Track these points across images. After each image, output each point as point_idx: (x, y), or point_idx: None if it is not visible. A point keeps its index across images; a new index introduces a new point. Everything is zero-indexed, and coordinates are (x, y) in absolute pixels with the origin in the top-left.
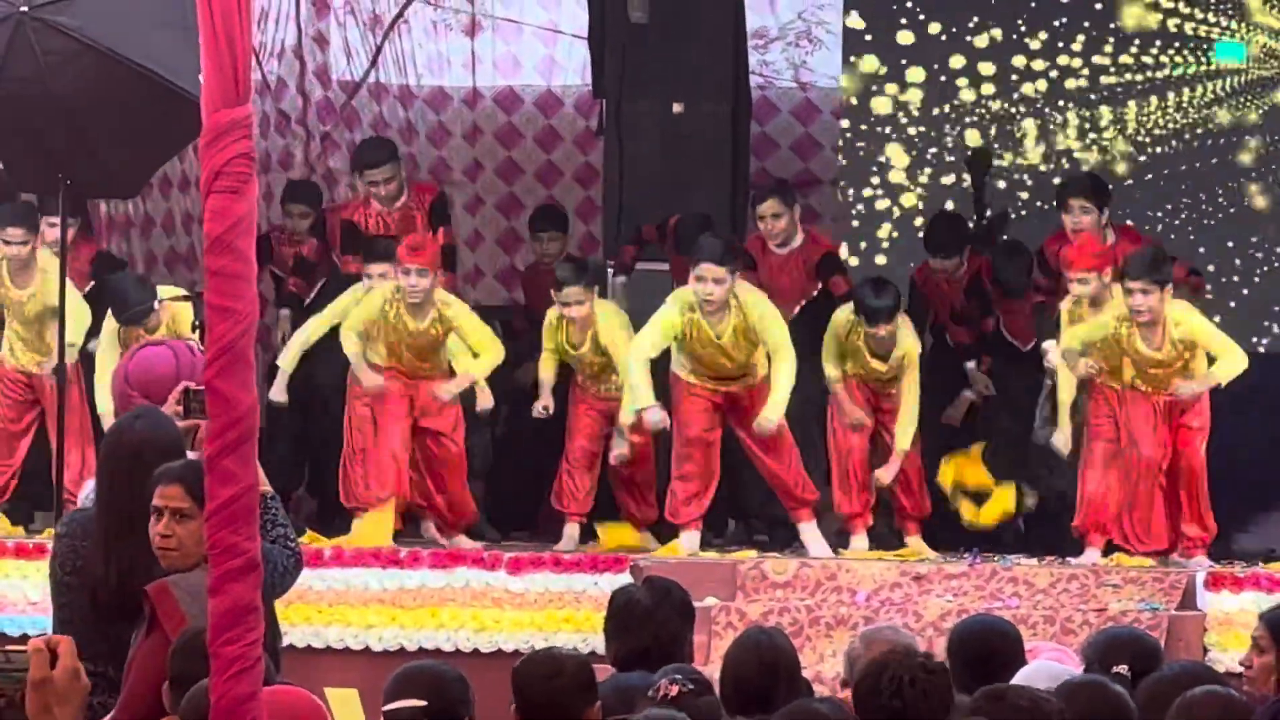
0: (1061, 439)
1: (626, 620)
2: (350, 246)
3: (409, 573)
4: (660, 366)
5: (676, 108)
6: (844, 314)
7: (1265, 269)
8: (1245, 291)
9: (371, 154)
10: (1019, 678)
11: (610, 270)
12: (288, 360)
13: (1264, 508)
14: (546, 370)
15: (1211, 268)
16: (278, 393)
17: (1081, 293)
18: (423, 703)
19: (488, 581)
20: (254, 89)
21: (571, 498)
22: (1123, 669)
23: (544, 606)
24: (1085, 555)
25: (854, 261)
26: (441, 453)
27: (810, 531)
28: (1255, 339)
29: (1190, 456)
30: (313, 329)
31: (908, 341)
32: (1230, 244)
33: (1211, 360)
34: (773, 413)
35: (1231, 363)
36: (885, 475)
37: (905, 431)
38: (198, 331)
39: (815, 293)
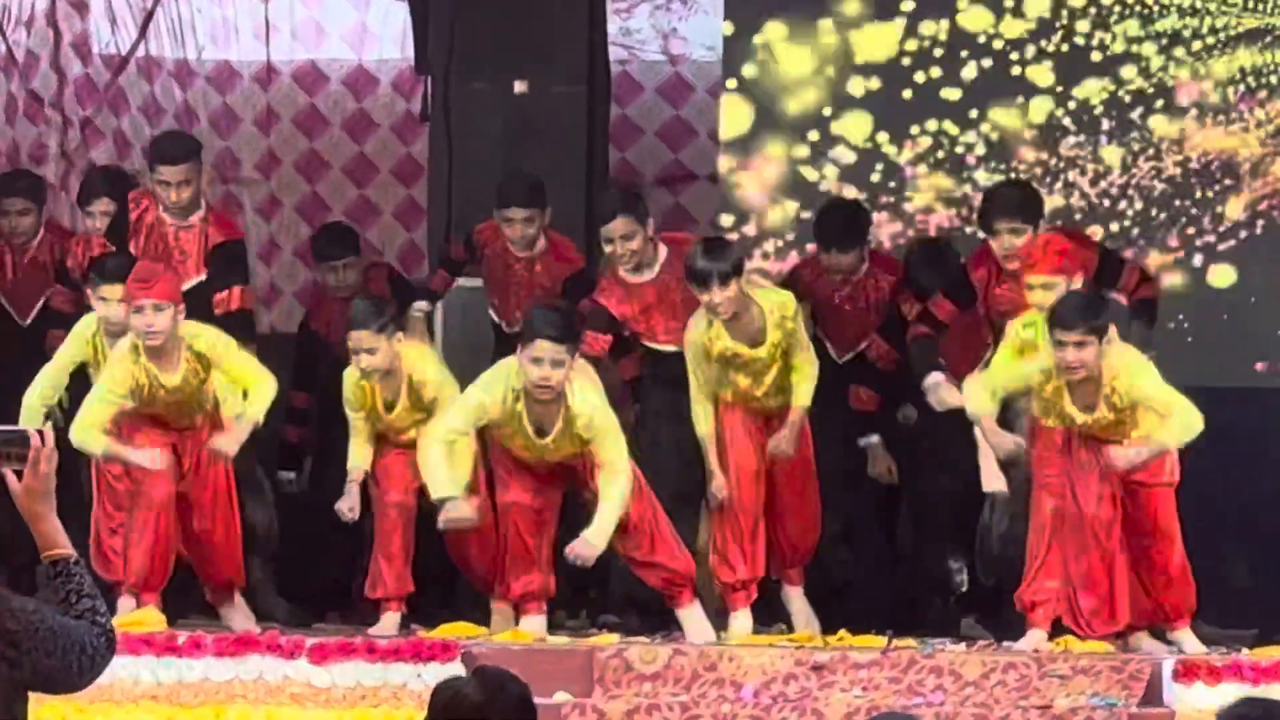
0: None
1: None
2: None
3: (188, 662)
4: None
5: (519, 87)
6: (698, 320)
7: None
8: None
9: (168, 147)
10: None
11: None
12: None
13: (1246, 577)
14: (357, 453)
15: None
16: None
17: (1044, 302)
18: None
19: (286, 673)
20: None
21: (384, 582)
22: None
23: (355, 703)
24: (1027, 638)
25: None
26: (205, 522)
27: (692, 614)
28: None
29: (1154, 514)
30: (42, 388)
31: (773, 299)
32: None
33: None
34: (596, 538)
35: (1184, 424)
36: (785, 443)
37: (803, 384)
38: None
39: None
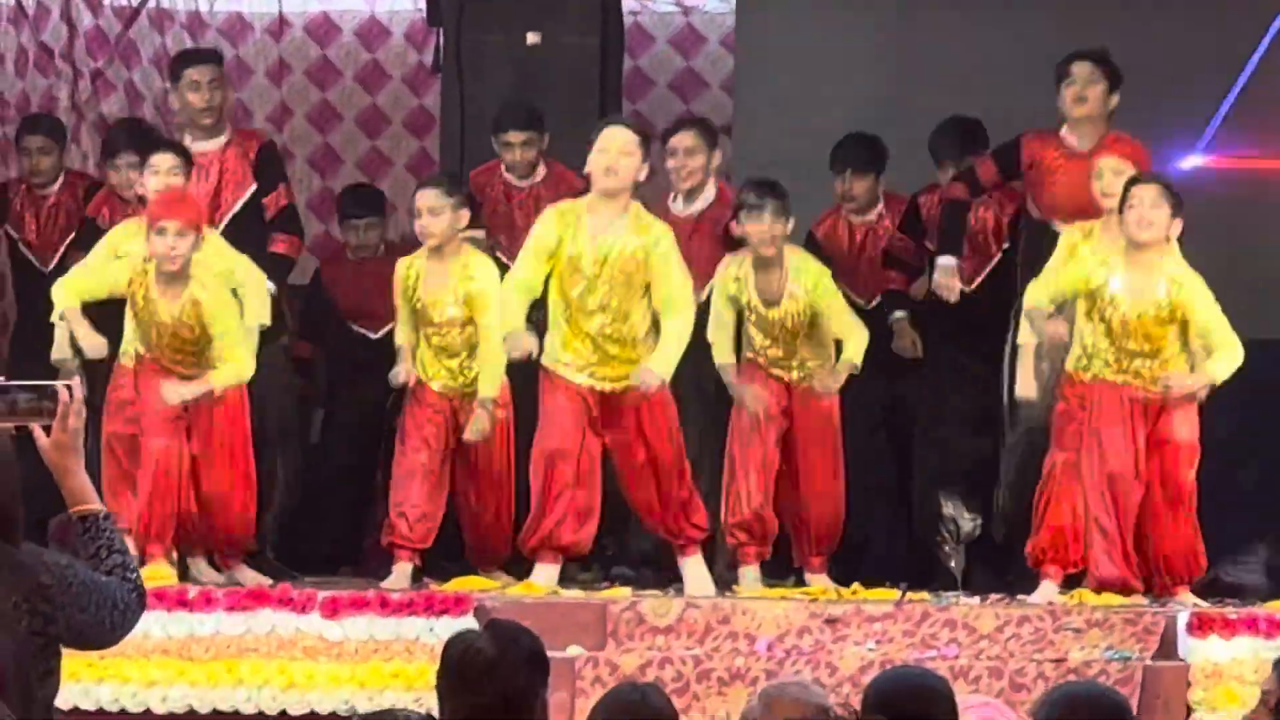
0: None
1: (465, 675)
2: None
3: (200, 617)
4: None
5: (532, 38)
6: (728, 264)
7: None
8: None
9: (194, 55)
10: None
11: None
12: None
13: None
14: (403, 332)
15: None
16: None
17: (1110, 188)
18: None
19: (298, 627)
20: (7, 15)
21: (401, 531)
22: None
23: (367, 658)
24: (1040, 591)
25: None
26: (211, 473)
27: (695, 567)
28: None
29: (1175, 476)
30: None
31: (808, 265)
32: None
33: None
34: (659, 365)
35: (1231, 356)
36: (821, 379)
37: (852, 343)
38: None
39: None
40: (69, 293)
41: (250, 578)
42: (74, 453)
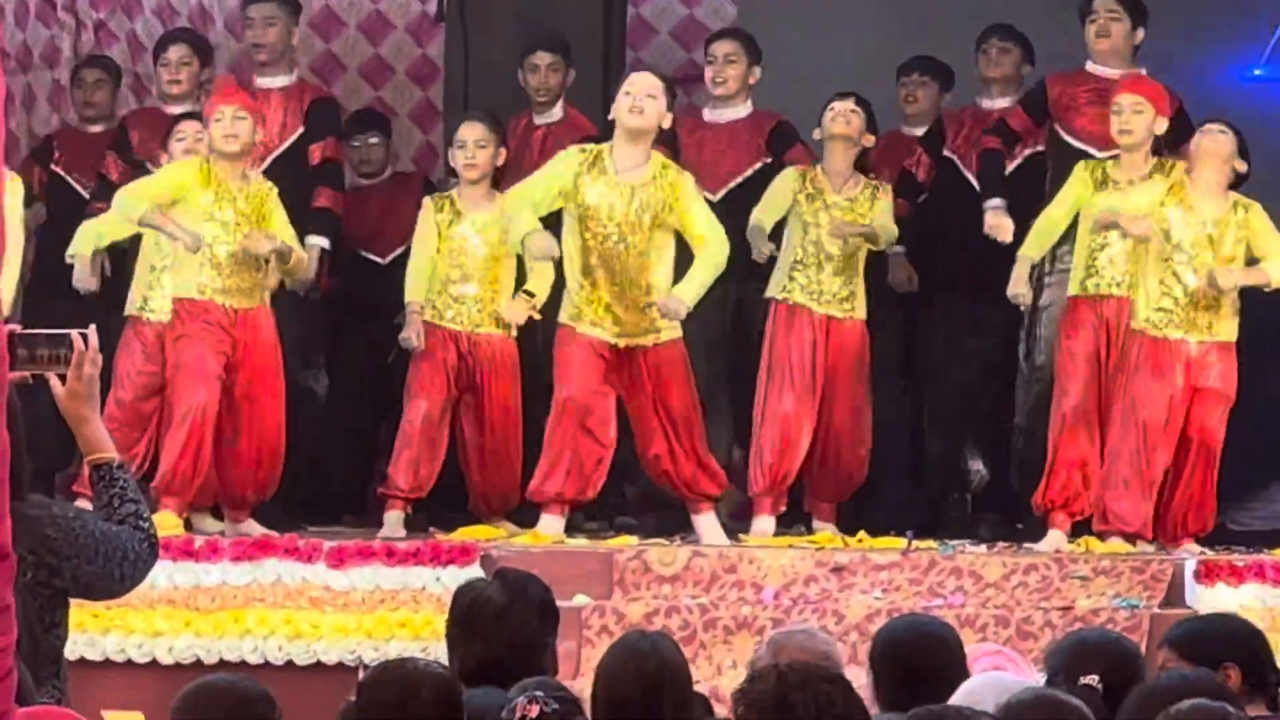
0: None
1: (474, 623)
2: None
3: (205, 567)
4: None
5: None
6: (791, 176)
7: None
8: None
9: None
10: (960, 694)
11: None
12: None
13: (1270, 480)
14: (417, 288)
15: None
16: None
17: (1129, 124)
18: None
19: (304, 576)
20: None
21: (395, 480)
22: (1093, 680)
23: (374, 607)
24: (1047, 540)
25: None
26: (253, 408)
27: (709, 522)
28: None
29: (1203, 427)
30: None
31: (882, 203)
32: None
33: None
34: (686, 293)
35: None
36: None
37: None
38: None
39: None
40: (137, 200)
41: (256, 530)
42: (89, 401)
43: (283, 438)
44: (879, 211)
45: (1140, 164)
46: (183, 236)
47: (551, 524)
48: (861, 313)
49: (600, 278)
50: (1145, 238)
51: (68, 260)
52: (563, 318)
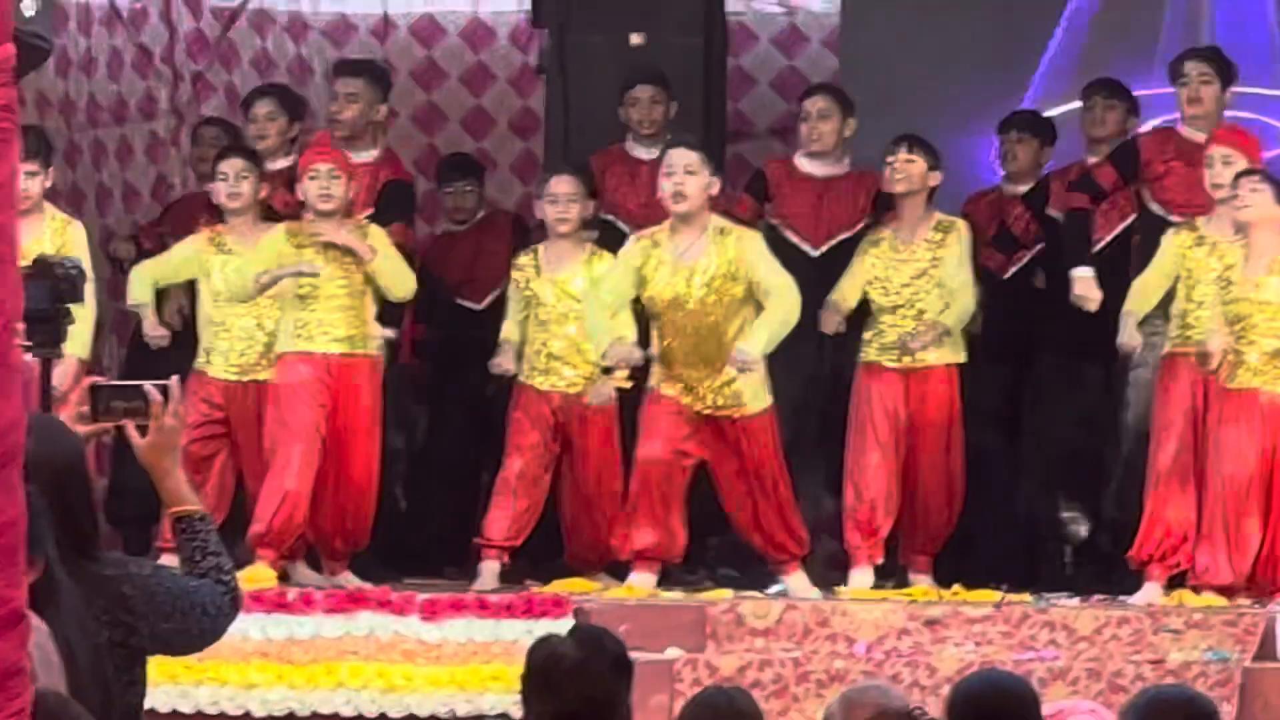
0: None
1: (549, 679)
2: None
3: (299, 619)
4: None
5: (635, 39)
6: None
7: None
8: None
9: (343, 66)
10: None
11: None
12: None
13: None
14: (511, 330)
15: None
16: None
17: (1221, 178)
18: None
19: (397, 629)
20: (101, 18)
21: (494, 525)
22: None
23: (466, 660)
24: (1142, 593)
25: None
26: (347, 456)
27: (797, 582)
28: None
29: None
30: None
31: (952, 246)
32: None
33: None
34: (753, 346)
35: None
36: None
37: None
38: None
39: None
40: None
41: (353, 581)
42: (170, 453)
43: (374, 488)
44: (948, 253)
45: (1228, 220)
46: (304, 269)
47: (643, 579)
48: (947, 358)
49: (678, 359)
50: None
51: (130, 308)
52: (651, 381)
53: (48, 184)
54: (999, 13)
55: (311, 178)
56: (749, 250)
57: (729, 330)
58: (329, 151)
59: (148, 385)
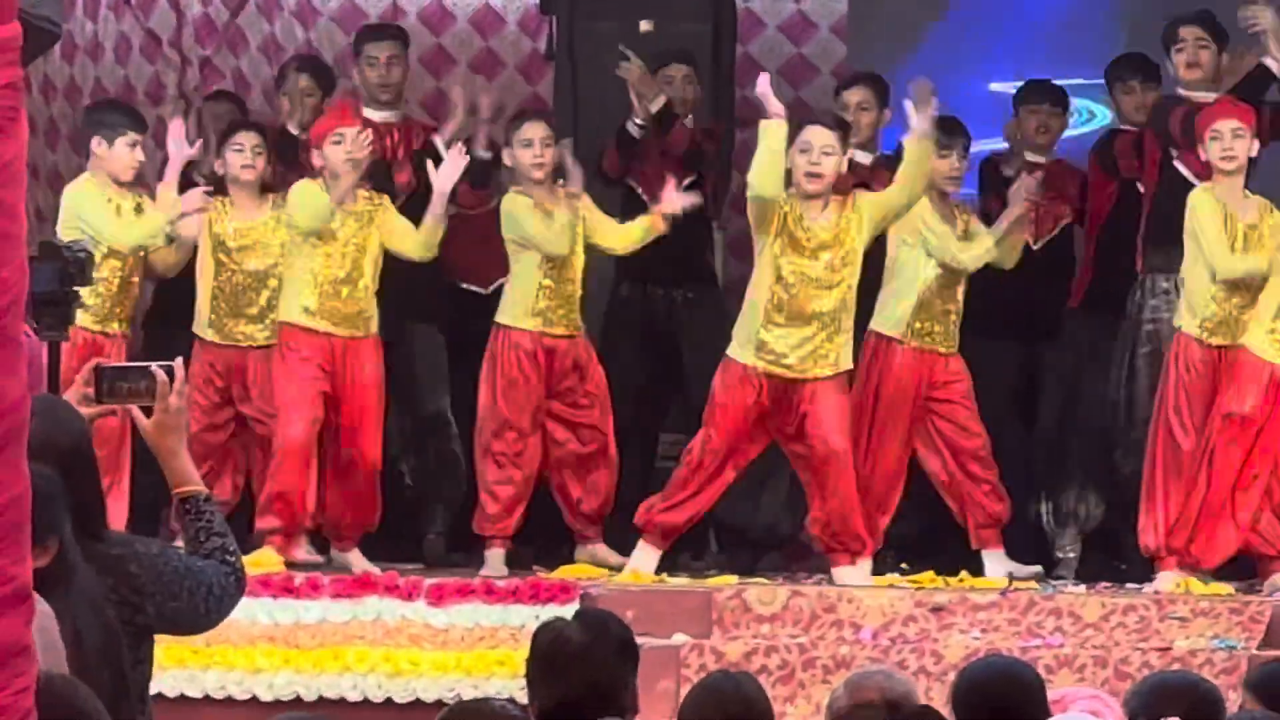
0: None
1: (554, 663)
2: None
3: (306, 603)
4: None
5: (644, 26)
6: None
7: None
8: None
9: (372, 31)
10: None
11: None
12: None
13: None
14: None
15: None
16: None
17: (1233, 148)
18: None
19: (404, 614)
20: (108, 3)
21: (493, 517)
22: None
23: (473, 645)
24: (1156, 581)
25: None
26: (353, 433)
27: (850, 574)
28: None
29: None
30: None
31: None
32: None
33: None
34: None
35: None
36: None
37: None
38: None
39: None
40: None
41: (360, 562)
42: (175, 433)
43: (378, 469)
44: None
45: (1239, 190)
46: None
47: (647, 556)
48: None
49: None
50: None
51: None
52: (732, 350)
53: None
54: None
55: (336, 141)
56: (867, 203)
57: (851, 288)
58: (355, 117)
59: (154, 366)
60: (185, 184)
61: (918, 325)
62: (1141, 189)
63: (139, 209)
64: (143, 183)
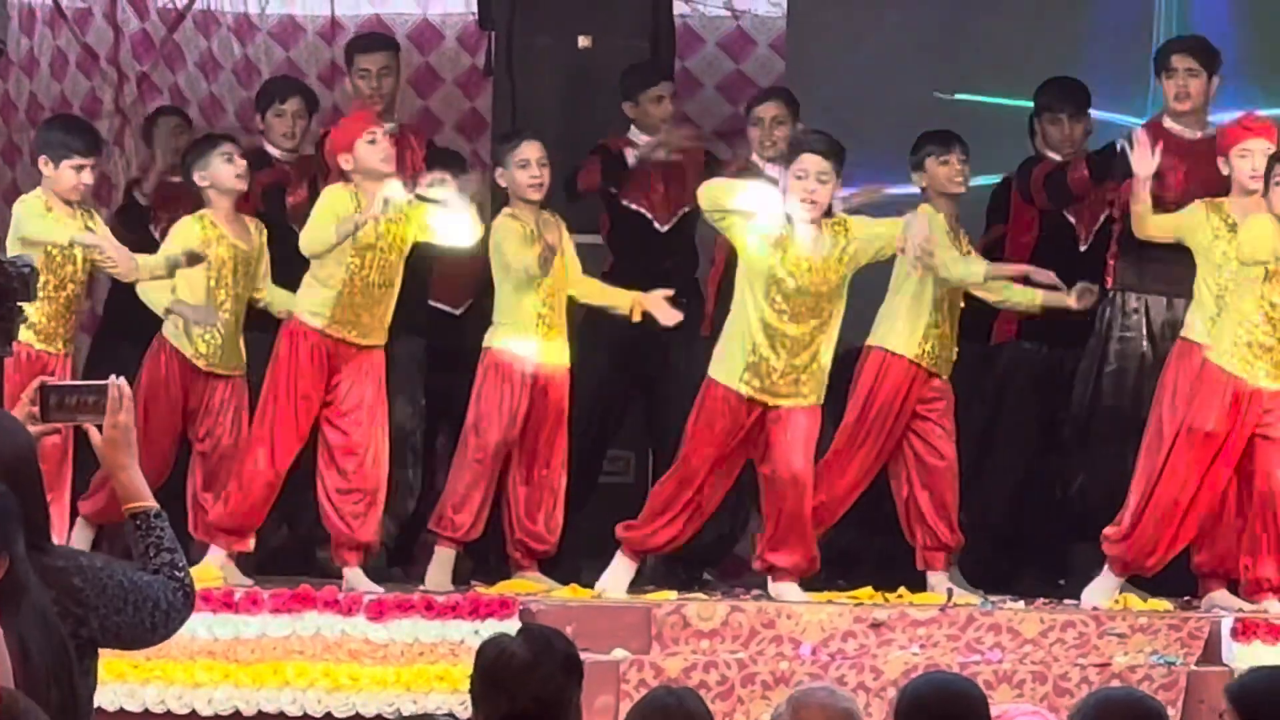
0: None
1: (499, 678)
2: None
3: (245, 618)
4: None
5: (583, 42)
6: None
7: None
8: None
9: (364, 42)
10: None
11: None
12: None
13: None
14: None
15: None
16: None
17: (1259, 165)
18: None
19: (343, 629)
20: (44, 18)
21: (459, 524)
22: None
23: (412, 660)
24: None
25: None
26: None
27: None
28: None
29: (1270, 475)
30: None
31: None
32: None
33: None
34: None
35: None
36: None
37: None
38: None
39: None
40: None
41: (364, 581)
42: (126, 449)
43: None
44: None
45: (1251, 205)
46: (377, 211)
47: (621, 571)
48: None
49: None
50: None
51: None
52: (715, 371)
53: None
54: (945, 14)
55: (370, 141)
56: (857, 225)
57: (831, 323)
58: (377, 121)
59: (106, 382)
60: (128, 203)
61: (920, 343)
62: (1073, 218)
63: (87, 229)
64: (91, 203)
